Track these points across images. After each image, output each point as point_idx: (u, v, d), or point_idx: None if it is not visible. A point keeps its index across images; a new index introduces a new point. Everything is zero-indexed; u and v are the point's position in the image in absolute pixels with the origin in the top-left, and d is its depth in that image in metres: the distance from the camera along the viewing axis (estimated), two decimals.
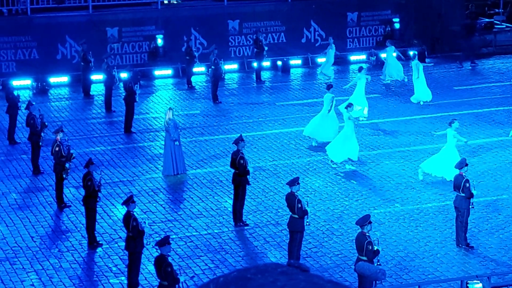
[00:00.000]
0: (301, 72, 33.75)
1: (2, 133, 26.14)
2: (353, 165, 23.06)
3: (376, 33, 35.61)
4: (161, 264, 15.17)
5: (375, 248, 15.89)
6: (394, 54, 31.87)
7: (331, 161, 23.17)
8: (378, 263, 15.95)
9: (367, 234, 15.89)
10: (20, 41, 31.26)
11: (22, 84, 30.10)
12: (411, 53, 32.06)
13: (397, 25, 35.61)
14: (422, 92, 28.92)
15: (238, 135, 21.29)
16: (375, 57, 34.65)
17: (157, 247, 15.64)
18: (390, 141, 25.49)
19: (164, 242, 15.35)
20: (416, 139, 25.61)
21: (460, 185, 18.41)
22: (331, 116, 24.68)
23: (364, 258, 15.73)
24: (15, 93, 25.88)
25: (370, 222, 16.00)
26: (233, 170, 19.94)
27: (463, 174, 18.52)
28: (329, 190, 21.80)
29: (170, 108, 23.13)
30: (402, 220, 20.03)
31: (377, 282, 15.49)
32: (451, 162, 20.97)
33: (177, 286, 15.30)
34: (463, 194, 18.40)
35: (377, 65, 34.24)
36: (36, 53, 31.41)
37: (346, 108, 23.21)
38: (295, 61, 34.11)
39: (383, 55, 32.50)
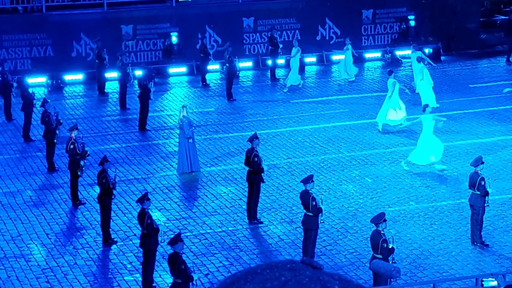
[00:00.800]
0: (315, 70, 33.69)
1: (17, 131, 26.22)
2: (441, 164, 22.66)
3: (391, 30, 35.52)
4: (175, 261, 15.17)
5: (390, 246, 15.85)
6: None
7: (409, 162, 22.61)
8: (393, 261, 15.91)
9: (382, 232, 15.84)
10: (35, 39, 31.35)
11: (37, 82, 30.18)
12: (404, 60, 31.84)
13: (412, 23, 35.50)
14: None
15: (253, 132, 21.27)
16: (390, 54, 34.55)
17: (170, 245, 15.64)
18: (405, 139, 25.41)
19: (176, 240, 15.35)
20: None
21: (476, 183, 18.33)
22: (393, 100, 25.62)
23: (379, 256, 15.68)
24: (30, 90, 25.95)
25: (385, 220, 15.96)
26: (247, 168, 19.92)
27: (479, 172, 18.44)
28: (343, 188, 21.75)
29: (183, 106, 23.14)
30: (417, 218, 19.96)
31: (392, 280, 15.44)
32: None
33: (190, 284, 15.30)
34: (478, 192, 18.33)
35: (392, 63, 34.17)
36: (51, 51, 31.50)
37: (423, 110, 22.96)
38: (310, 59, 34.05)
39: (341, 56, 31.86)
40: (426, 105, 22.94)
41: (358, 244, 18.66)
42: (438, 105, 27.98)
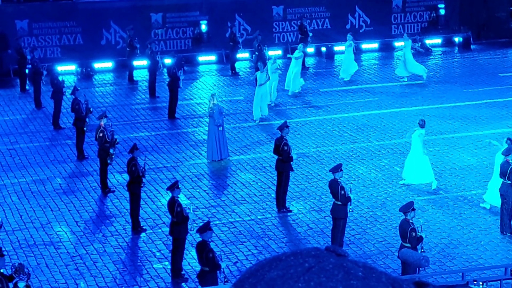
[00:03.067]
0: None
1: (47, 118, 26.38)
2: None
3: (421, 19, 35.30)
4: (203, 250, 15.20)
5: (419, 235, 15.78)
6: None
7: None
8: (422, 250, 15.84)
9: (410, 221, 15.78)
10: (65, 27, 31.49)
11: (66, 70, 30.34)
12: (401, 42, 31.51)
13: (442, 11, 35.26)
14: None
15: (283, 121, 21.24)
16: (420, 43, 34.34)
17: (198, 233, 15.68)
18: (434, 127, 25.27)
19: (205, 228, 15.37)
20: (460, 126, 25.36)
21: (506, 172, 18.19)
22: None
23: (408, 245, 15.62)
24: (60, 78, 26.08)
25: (413, 209, 15.89)
26: (276, 157, 19.91)
27: (510, 161, 18.29)
28: (372, 177, 21.68)
29: (213, 94, 23.15)
30: (446, 207, 19.86)
31: (421, 269, 15.39)
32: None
33: (218, 272, 15.33)
34: (509, 182, 18.18)
35: (422, 52, 33.97)
36: (80, 39, 31.63)
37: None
38: (340, 47, 33.93)
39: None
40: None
41: (387, 233, 18.60)
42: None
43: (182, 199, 18.45)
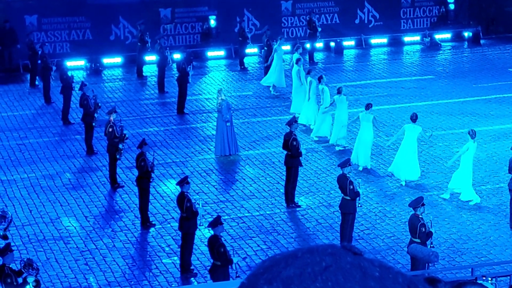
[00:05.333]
0: (354, 54, 33.52)
1: (56, 114, 26.41)
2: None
3: (430, 14, 35.19)
4: (214, 244, 15.21)
5: (428, 230, 15.75)
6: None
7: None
8: (431, 246, 15.81)
9: (420, 216, 15.75)
10: (74, 22, 31.51)
11: (76, 65, 30.37)
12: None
13: (451, 6, 35.16)
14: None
15: (291, 116, 21.21)
16: (429, 38, 34.27)
17: (210, 227, 15.68)
18: (444, 122, 25.21)
19: (216, 223, 15.38)
20: (470, 121, 25.29)
21: None
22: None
23: (417, 240, 15.60)
24: (69, 73, 26.10)
25: (423, 204, 15.86)
26: (285, 152, 19.90)
27: None
28: (381, 172, 21.64)
29: (219, 90, 23.13)
30: (456, 202, 19.81)
31: (430, 264, 15.36)
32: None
33: (230, 267, 15.33)
34: None
35: (432, 46, 33.91)
36: (90, 34, 31.65)
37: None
38: (349, 42, 33.89)
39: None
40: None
41: (396, 228, 18.58)
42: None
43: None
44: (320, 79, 23.90)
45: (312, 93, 24.42)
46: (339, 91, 23.04)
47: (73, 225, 19.01)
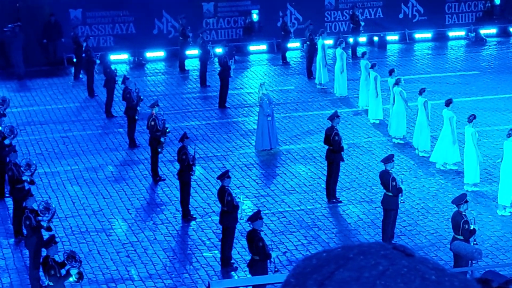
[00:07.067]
0: (397, 48, 33.28)
1: (99, 107, 26.58)
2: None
3: (475, 8, 34.80)
4: (253, 239, 15.19)
5: (472, 227, 15.58)
6: None
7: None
8: (475, 243, 15.64)
9: (463, 213, 15.59)
10: (117, 16, 31.68)
11: (119, 59, 30.52)
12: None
13: (497, 1, 34.73)
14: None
15: (333, 111, 21.12)
16: (474, 33, 33.90)
17: (249, 222, 15.67)
18: (489, 118, 24.92)
19: (256, 217, 15.36)
20: None
21: None
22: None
23: (460, 237, 15.44)
24: (113, 67, 26.24)
25: (466, 201, 15.69)
26: (327, 147, 19.80)
27: None
28: (424, 168, 21.45)
29: (261, 84, 23.09)
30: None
31: (473, 261, 15.19)
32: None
33: (268, 261, 15.30)
34: None
35: (477, 42, 33.55)
36: (133, 28, 31.80)
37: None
38: (392, 37, 33.65)
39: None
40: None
41: (438, 225, 18.40)
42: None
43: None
44: (391, 73, 23.88)
45: (380, 89, 24.32)
46: (397, 83, 22.91)
47: (115, 218, 19.12)
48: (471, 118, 19.94)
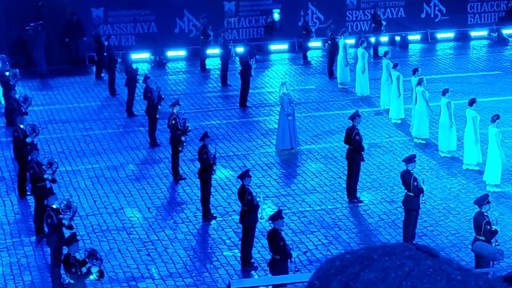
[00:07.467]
0: (419, 48, 33.16)
1: (121, 106, 26.65)
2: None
3: (498, 8, 34.61)
4: (274, 238, 15.17)
5: (494, 228, 15.48)
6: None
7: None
8: (496, 243, 15.55)
9: (485, 213, 15.49)
10: (139, 15, 31.76)
11: (140, 58, 30.59)
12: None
13: None
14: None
15: (354, 110, 21.06)
16: (496, 33, 33.72)
17: (270, 221, 15.65)
18: (511, 119, 24.77)
19: (277, 216, 15.34)
20: None
21: None
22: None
23: (482, 238, 15.35)
24: (134, 66, 26.30)
25: (488, 202, 15.60)
26: (347, 146, 19.75)
27: None
28: (446, 168, 21.36)
29: (283, 83, 23.08)
30: None
31: (495, 262, 15.10)
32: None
33: (289, 260, 15.28)
34: None
35: (499, 42, 33.35)
36: (154, 27, 31.86)
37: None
38: (414, 37, 33.52)
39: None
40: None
41: (460, 226, 18.31)
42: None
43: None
44: (414, 72, 23.79)
45: (402, 89, 24.26)
46: (419, 83, 22.84)
47: (136, 216, 19.16)
48: (495, 118, 19.80)
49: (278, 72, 30.26)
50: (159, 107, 22.96)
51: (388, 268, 1.72)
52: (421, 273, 1.72)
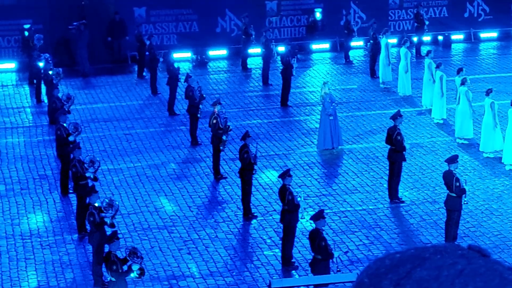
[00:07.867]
0: (462, 48, 32.89)
1: (162, 105, 26.78)
2: None
3: None
4: (315, 238, 15.14)
5: None
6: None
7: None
8: None
9: None
10: (181, 14, 31.88)
11: (182, 57, 30.70)
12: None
13: None
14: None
15: (396, 110, 20.94)
16: None
17: (311, 221, 15.62)
18: None
19: (319, 216, 15.31)
20: None
21: None
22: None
23: None
24: (176, 65, 26.40)
25: None
26: (389, 146, 19.65)
27: None
28: (488, 169, 21.15)
29: (325, 82, 23.02)
30: None
31: None
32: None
33: (330, 261, 15.24)
34: None
35: None
36: (196, 26, 31.97)
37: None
38: (457, 36, 33.25)
39: None
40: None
41: (503, 227, 18.13)
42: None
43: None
44: (459, 72, 23.64)
45: (445, 88, 24.09)
46: (463, 83, 22.66)
47: (177, 215, 19.23)
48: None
49: (320, 72, 30.20)
50: (200, 106, 23.03)
51: (440, 266, 1.73)
52: (473, 271, 1.73)
